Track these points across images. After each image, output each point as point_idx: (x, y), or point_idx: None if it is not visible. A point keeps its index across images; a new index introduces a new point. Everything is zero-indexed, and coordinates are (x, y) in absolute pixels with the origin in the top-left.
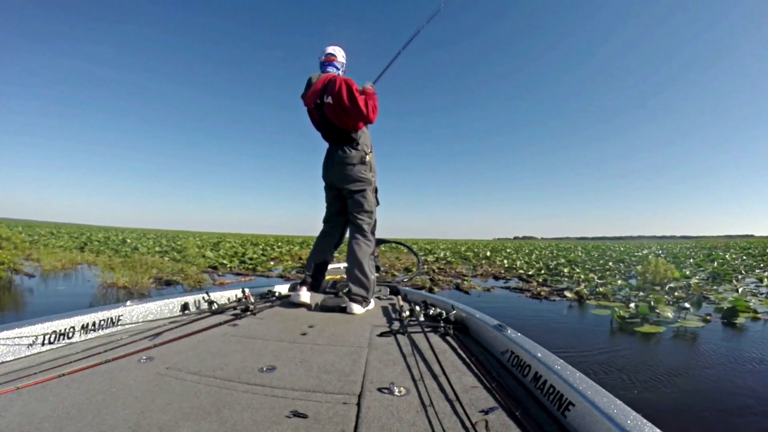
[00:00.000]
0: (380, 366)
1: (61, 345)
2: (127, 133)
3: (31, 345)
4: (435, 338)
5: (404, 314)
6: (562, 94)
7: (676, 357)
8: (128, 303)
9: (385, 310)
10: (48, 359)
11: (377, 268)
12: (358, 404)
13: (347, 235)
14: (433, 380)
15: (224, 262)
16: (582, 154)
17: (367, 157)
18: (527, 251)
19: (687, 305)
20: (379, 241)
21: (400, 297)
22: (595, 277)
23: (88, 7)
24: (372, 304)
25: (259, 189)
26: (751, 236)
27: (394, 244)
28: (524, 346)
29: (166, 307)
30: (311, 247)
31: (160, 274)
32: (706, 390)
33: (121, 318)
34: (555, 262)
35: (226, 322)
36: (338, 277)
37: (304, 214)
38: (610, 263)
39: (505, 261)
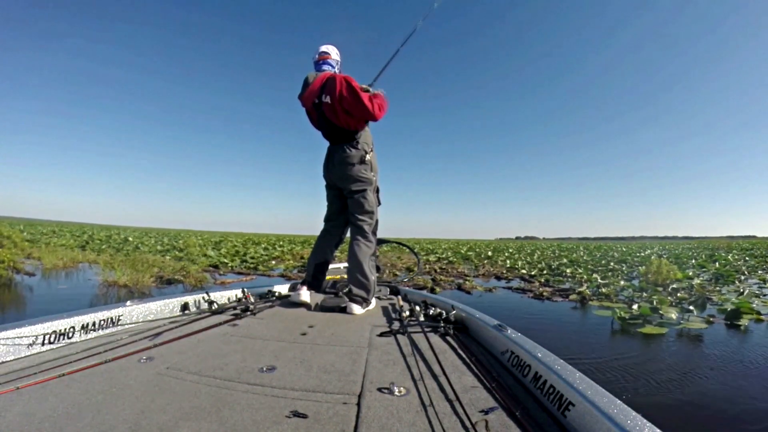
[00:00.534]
0: (380, 366)
1: (61, 345)
2: (131, 132)
3: (31, 345)
4: (435, 338)
5: (404, 314)
6: (565, 94)
7: (680, 359)
8: (128, 303)
9: (385, 310)
10: (48, 359)
11: (378, 269)
12: (358, 404)
13: (348, 234)
14: (433, 380)
15: (225, 261)
16: (584, 155)
17: (368, 156)
18: (529, 251)
19: (690, 306)
20: (380, 241)
21: (400, 297)
22: (598, 278)
23: (89, 7)
24: (372, 305)
25: (261, 188)
26: (754, 237)
27: (395, 244)
28: (524, 346)
29: (167, 307)
30: (313, 246)
31: (161, 272)
32: (712, 393)
33: (121, 318)
34: (557, 263)
35: (226, 322)
36: (338, 277)
37: (307, 214)
38: (613, 264)
39: (507, 261)
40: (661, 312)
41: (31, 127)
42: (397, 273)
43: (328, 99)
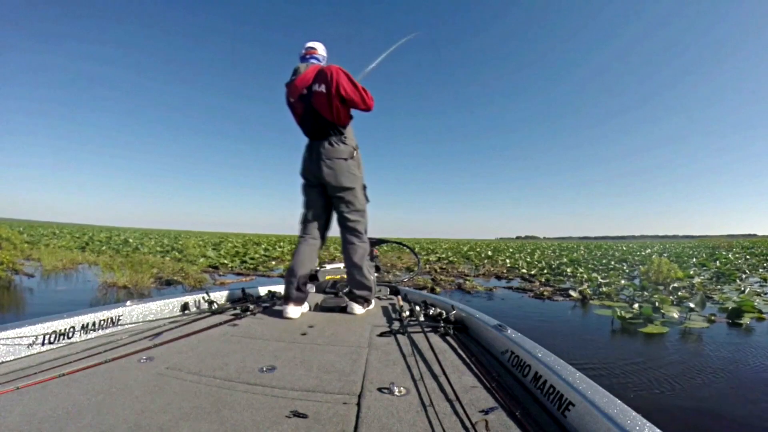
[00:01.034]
0: (380, 366)
1: (61, 345)
2: (131, 133)
3: (31, 345)
4: (435, 338)
5: (404, 314)
6: (566, 93)
7: (683, 359)
8: (128, 303)
9: (385, 310)
10: (48, 359)
11: (377, 269)
12: (358, 404)
13: (339, 236)
14: (433, 380)
15: (225, 261)
16: (584, 154)
17: (355, 152)
18: (530, 251)
19: (691, 305)
20: (380, 241)
21: (400, 297)
22: (598, 277)
23: (89, 8)
24: (372, 304)
25: (262, 188)
26: (754, 235)
27: (395, 244)
28: (524, 346)
29: (166, 307)
30: (294, 255)
31: (160, 273)
32: (716, 394)
33: (121, 318)
34: (557, 262)
35: (226, 322)
36: (338, 277)
37: None
38: (613, 263)
39: (508, 261)
40: (662, 311)
41: (34, 129)
42: (397, 273)
43: (322, 88)
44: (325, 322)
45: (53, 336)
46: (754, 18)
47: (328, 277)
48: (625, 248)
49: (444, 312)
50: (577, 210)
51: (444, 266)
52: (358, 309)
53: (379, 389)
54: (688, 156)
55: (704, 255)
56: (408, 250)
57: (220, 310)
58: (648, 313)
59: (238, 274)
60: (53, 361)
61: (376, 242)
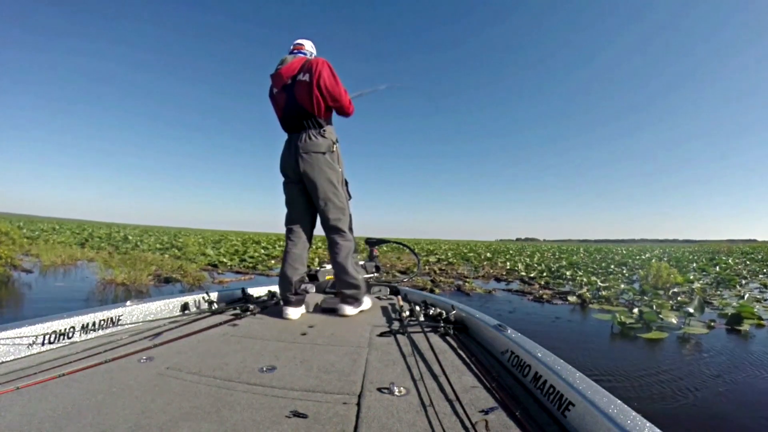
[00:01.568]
0: (380, 366)
1: (61, 345)
2: (133, 130)
3: (31, 345)
4: (435, 338)
5: (404, 314)
6: (566, 96)
7: (682, 365)
8: (128, 303)
9: (385, 310)
10: (48, 359)
11: (377, 268)
12: (358, 404)
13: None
14: (433, 380)
15: (224, 260)
16: (585, 157)
17: (335, 146)
18: (529, 253)
19: (691, 310)
20: (380, 241)
21: (400, 297)
22: (598, 281)
23: (89, 5)
24: (367, 304)
25: (263, 187)
26: (754, 241)
27: (395, 245)
28: (524, 346)
29: (166, 307)
30: (284, 257)
31: (159, 271)
32: (717, 401)
33: (121, 318)
34: (557, 265)
35: (226, 322)
36: None
37: None
38: (613, 266)
39: (507, 263)
40: (661, 316)
41: (35, 125)
42: (397, 273)
43: (306, 77)
44: (325, 322)
45: (53, 336)
46: (756, 20)
47: (328, 277)
48: (624, 252)
49: (444, 312)
50: (578, 213)
51: (443, 267)
52: (348, 310)
53: (379, 389)
54: (689, 160)
55: (704, 260)
56: (408, 250)
57: (220, 310)
58: (651, 319)
59: (237, 272)
60: (53, 361)
61: (376, 242)
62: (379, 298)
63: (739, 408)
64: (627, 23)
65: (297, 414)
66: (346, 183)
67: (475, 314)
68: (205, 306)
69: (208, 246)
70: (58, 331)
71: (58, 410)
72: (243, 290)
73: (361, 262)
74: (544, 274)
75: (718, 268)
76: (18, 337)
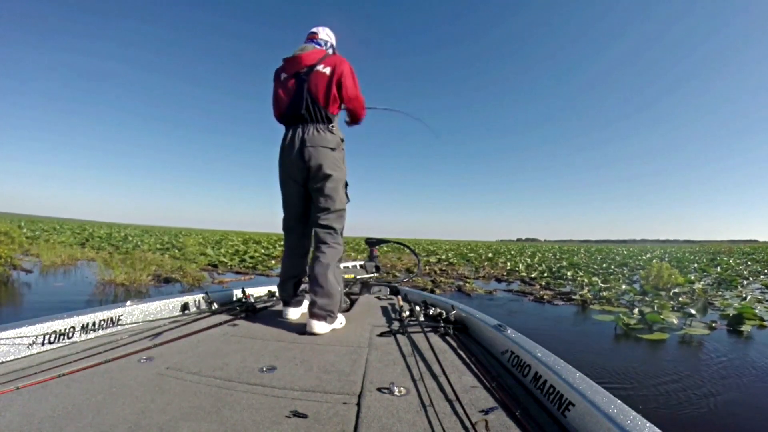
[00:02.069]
0: (380, 366)
1: (61, 345)
2: (134, 130)
3: (31, 345)
4: (435, 338)
5: (404, 314)
6: (567, 97)
7: (684, 367)
8: (128, 303)
9: (385, 310)
10: (48, 359)
11: (377, 268)
12: (358, 404)
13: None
14: (433, 380)
15: (224, 260)
16: (586, 157)
17: (342, 144)
18: (530, 253)
19: (692, 311)
20: (380, 241)
21: (400, 297)
22: (599, 281)
23: (88, 4)
24: (341, 322)
25: (264, 186)
26: (755, 241)
27: (395, 245)
28: (524, 346)
29: (166, 307)
30: (284, 261)
31: (159, 271)
32: (723, 404)
33: (121, 318)
34: (558, 265)
35: (226, 322)
36: (351, 276)
37: None
38: (614, 267)
39: (508, 263)
40: (662, 317)
41: (37, 124)
42: (397, 273)
43: (327, 69)
44: None
45: (53, 336)
46: (757, 20)
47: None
48: (626, 252)
49: (444, 312)
50: (579, 213)
51: (444, 268)
52: (319, 327)
53: (379, 389)
54: (690, 160)
55: (705, 260)
56: (408, 250)
57: (220, 310)
58: (654, 319)
59: (237, 272)
60: (53, 361)
61: (376, 242)
62: (379, 298)
63: (740, 410)
64: (625, 23)
65: (297, 414)
66: (346, 185)
67: (475, 314)
68: (205, 306)
69: (209, 246)
70: (58, 331)
71: (58, 410)
72: (243, 290)
73: (361, 263)
74: (545, 274)
75: (719, 269)
76: (18, 337)
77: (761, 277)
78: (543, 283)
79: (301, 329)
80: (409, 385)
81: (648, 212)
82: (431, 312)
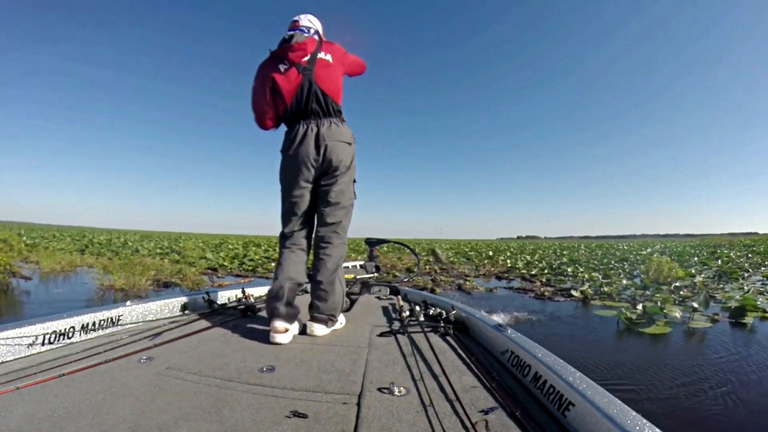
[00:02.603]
0: (380, 366)
1: (61, 345)
2: (132, 135)
3: (31, 345)
4: (435, 338)
5: (404, 314)
6: (566, 93)
7: (689, 360)
8: (128, 303)
9: (385, 310)
10: (48, 359)
11: (377, 268)
12: (358, 404)
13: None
14: (433, 380)
15: (224, 263)
16: (584, 154)
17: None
18: (530, 250)
19: (694, 304)
20: (380, 241)
21: (400, 297)
22: (600, 277)
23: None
24: (340, 322)
25: (264, 189)
26: (755, 234)
27: (395, 244)
28: (524, 346)
29: (166, 307)
30: (283, 265)
31: (158, 275)
32: (723, 396)
33: (121, 318)
34: (558, 262)
35: (226, 322)
36: (352, 276)
37: None
38: (614, 262)
39: (508, 261)
40: (664, 311)
41: (34, 131)
42: (397, 273)
43: (329, 56)
44: None
45: (53, 336)
46: (753, 15)
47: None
48: (626, 247)
49: (444, 312)
50: (578, 209)
51: (444, 267)
52: (320, 329)
53: (379, 389)
54: (689, 154)
55: (706, 254)
56: (408, 250)
57: (220, 311)
58: (654, 312)
59: (237, 275)
60: (53, 361)
61: (376, 242)
62: (379, 298)
63: (743, 403)
64: (619, 22)
65: (297, 414)
66: (354, 181)
67: (475, 314)
68: (205, 306)
69: (208, 250)
70: (58, 331)
71: (58, 410)
72: (243, 290)
73: (361, 262)
74: (546, 271)
75: (719, 262)
76: (18, 337)
77: (762, 269)
78: (543, 280)
79: (301, 329)
80: (409, 385)
81: (648, 207)
82: (431, 312)
